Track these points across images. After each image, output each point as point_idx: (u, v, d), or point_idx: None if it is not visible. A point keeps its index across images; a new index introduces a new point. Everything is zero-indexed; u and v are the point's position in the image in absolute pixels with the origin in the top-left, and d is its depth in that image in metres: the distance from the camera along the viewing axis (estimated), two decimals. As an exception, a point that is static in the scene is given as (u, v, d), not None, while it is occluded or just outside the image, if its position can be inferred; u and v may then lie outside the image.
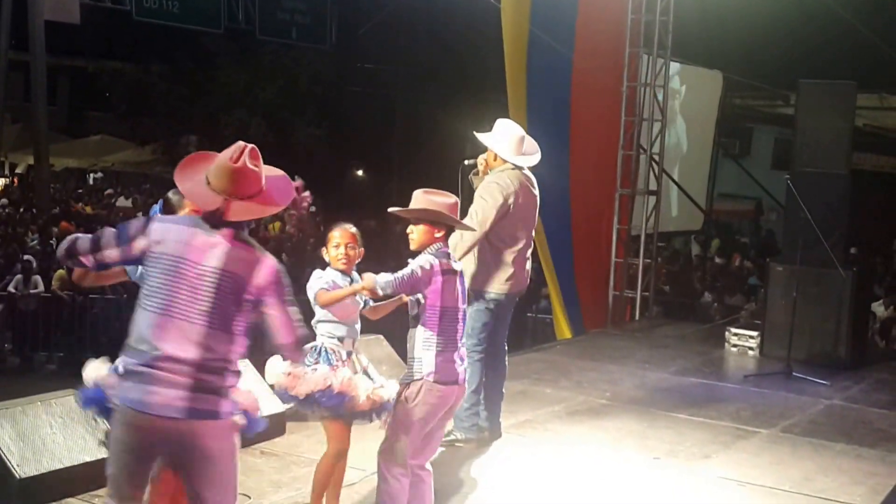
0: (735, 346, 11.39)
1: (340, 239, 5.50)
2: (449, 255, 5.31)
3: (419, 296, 5.24)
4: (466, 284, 7.12)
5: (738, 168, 24.42)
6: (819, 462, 7.44)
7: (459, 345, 5.34)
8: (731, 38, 17.90)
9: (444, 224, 5.29)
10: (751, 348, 11.27)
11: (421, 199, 5.32)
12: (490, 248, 7.10)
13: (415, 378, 5.22)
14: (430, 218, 5.27)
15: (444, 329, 5.24)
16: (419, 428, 5.27)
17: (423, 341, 5.23)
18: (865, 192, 18.80)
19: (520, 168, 7.18)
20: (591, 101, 13.10)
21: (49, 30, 23.38)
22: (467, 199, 7.18)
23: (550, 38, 12.32)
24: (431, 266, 5.19)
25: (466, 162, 7.37)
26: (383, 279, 5.15)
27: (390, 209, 5.56)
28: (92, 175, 31.02)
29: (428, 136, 25.09)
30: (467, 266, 7.12)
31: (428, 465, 5.43)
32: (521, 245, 7.18)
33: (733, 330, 11.56)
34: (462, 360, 5.36)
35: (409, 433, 5.24)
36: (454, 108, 22.97)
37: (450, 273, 5.25)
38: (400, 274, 5.18)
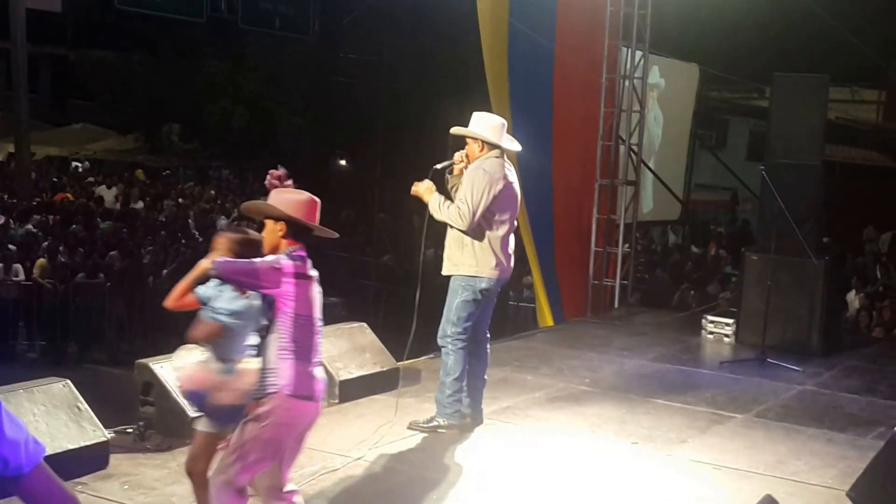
0: (711, 333, 11.54)
1: (219, 245, 5.06)
2: (305, 258, 4.80)
3: (270, 301, 4.76)
4: (457, 272, 7.31)
5: (714, 159, 24.58)
6: (791, 446, 7.61)
7: (317, 357, 4.83)
8: (708, 32, 18.09)
9: (281, 220, 4.81)
10: (726, 335, 11.41)
11: (272, 195, 4.93)
12: (478, 233, 7.19)
13: (268, 391, 4.70)
14: (268, 213, 4.86)
15: (300, 338, 4.71)
16: (270, 451, 4.74)
17: (277, 350, 4.71)
18: (837, 183, 19.04)
19: (502, 157, 7.32)
20: (572, 92, 13.24)
21: (30, 17, 23.31)
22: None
23: (530, 29, 12.45)
24: (281, 266, 4.67)
25: (438, 166, 7.39)
26: (219, 258, 4.83)
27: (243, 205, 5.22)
28: (79, 164, 30.87)
29: (411, 127, 25.15)
30: (454, 254, 7.27)
31: (293, 486, 5.00)
32: (505, 231, 7.29)
33: (710, 318, 11.70)
34: (320, 374, 4.84)
35: (254, 456, 4.71)
36: (437, 99, 23.06)
37: (304, 278, 4.73)
38: (239, 260, 4.82)
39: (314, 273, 4.82)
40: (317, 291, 4.81)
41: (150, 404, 7.00)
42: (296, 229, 4.81)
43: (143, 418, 6.98)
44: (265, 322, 4.83)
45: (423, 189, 7.31)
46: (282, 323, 4.69)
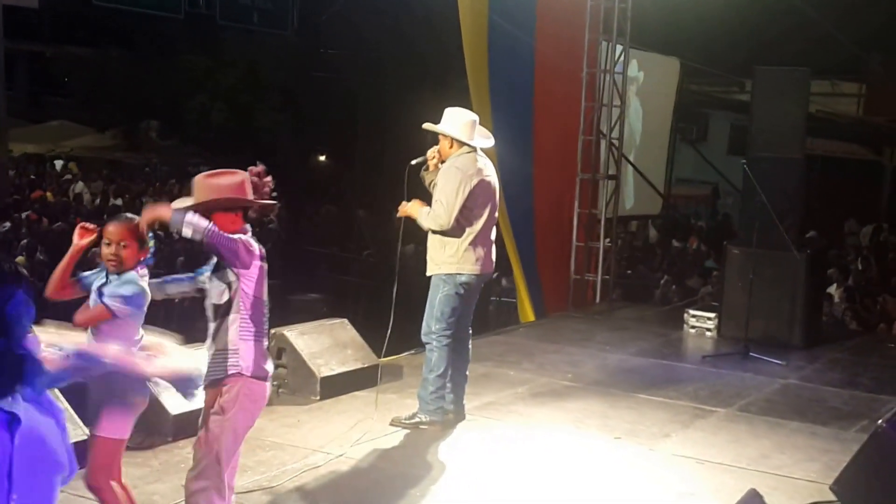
0: (693, 327, 11.54)
1: (111, 235, 4.72)
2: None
3: (230, 281, 4.62)
4: (438, 271, 7.28)
5: (695, 153, 24.64)
6: (775, 440, 7.60)
7: (267, 338, 4.81)
8: (688, 26, 18.07)
9: (239, 207, 4.71)
10: (709, 329, 11.42)
11: (203, 185, 4.70)
12: (457, 231, 7.17)
13: (230, 373, 4.61)
14: (222, 205, 4.67)
15: (256, 319, 4.67)
16: (237, 440, 4.68)
17: (239, 330, 4.62)
18: (818, 176, 19.08)
19: (474, 151, 7.29)
20: (553, 87, 13.20)
21: (7, 13, 23.16)
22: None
23: (510, 24, 12.41)
24: (253, 247, 4.63)
25: (413, 162, 7.37)
26: (190, 216, 4.45)
27: (176, 203, 4.81)
28: (58, 161, 30.70)
29: (390, 122, 25.11)
30: (436, 254, 7.24)
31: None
32: (485, 227, 7.26)
33: (692, 312, 11.71)
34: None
35: (228, 449, 4.63)
36: (416, 94, 23.01)
37: (262, 259, 4.70)
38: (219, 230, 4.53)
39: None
40: (265, 272, 4.76)
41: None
42: (244, 211, 4.75)
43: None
44: (220, 303, 4.67)
45: (410, 207, 7.30)
46: (243, 303, 4.62)
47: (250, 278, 4.62)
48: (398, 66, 25.73)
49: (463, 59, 12.35)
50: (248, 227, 4.76)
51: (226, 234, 4.52)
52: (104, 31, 29.95)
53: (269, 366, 4.78)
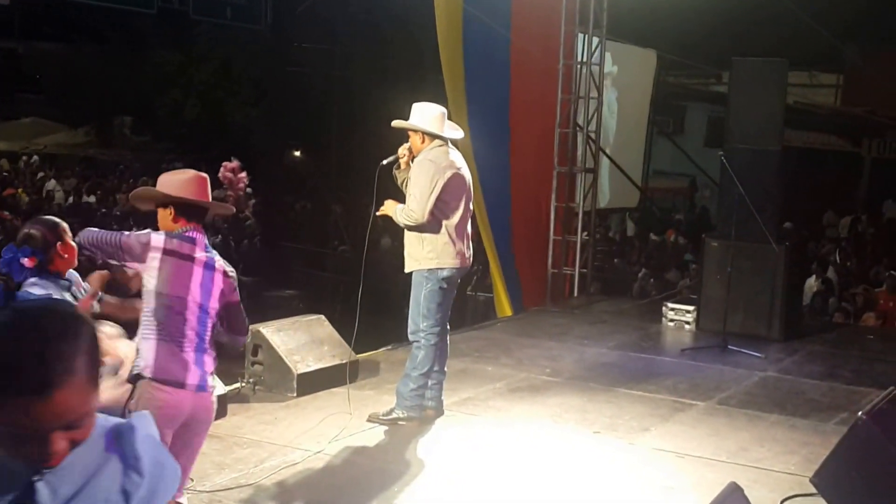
0: (672, 320, 11.51)
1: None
2: (193, 238, 4.59)
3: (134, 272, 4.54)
4: (418, 267, 7.19)
5: (672, 146, 24.63)
6: (754, 433, 7.57)
7: (193, 344, 4.51)
8: (665, 17, 18.04)
9: (169, 204, 4.60)
10: (687, 323, 11.39)
11: (159, 182, 4.70)
12: (434, 225, 7.12)
13: (133, 373, 4.45)
14: (153, 198, 4.67)
15: (166, 319, 4.45)
16: None
17: (142, 328, 4.50)
18: (796, 168, 19.10)
19: (446, 145, 7.22)
20: (529, 79, 13.14)
21: (-24, 11, 22.94)
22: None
23: (486, 16, 12.34)
24: (149, 239, 4.47)
25: (384, 162, 7.30)
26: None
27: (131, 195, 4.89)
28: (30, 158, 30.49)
29: (365, 116, 25.03)
30: (415, 248, 7.16)
31: (184, 500, 4.67)
32: (461, 220, 7.22)
33: (670, 305, 11.68)
34: (200, 364, 4.53)
35: None
36: (391, 88, 22.94)
37: (178, 256, 4.51)
38: (105, 231, 4.58)
39: (202, 255, 4.60)
40: (205, 276, 4.58)
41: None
42: (186, 210, 4.60)
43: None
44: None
45: (386, 206, 7.25)
46: (146, 300, 4.48)
47: (150, 273, 4.46)
48: (372, 61, 25.67)
49: (438, 52, 12.28)
50: (182, 227, 4.61)
51: (106, 232, 4.52)
52: (76, 27, 29.77)
53: (191, 372, 4.49)
